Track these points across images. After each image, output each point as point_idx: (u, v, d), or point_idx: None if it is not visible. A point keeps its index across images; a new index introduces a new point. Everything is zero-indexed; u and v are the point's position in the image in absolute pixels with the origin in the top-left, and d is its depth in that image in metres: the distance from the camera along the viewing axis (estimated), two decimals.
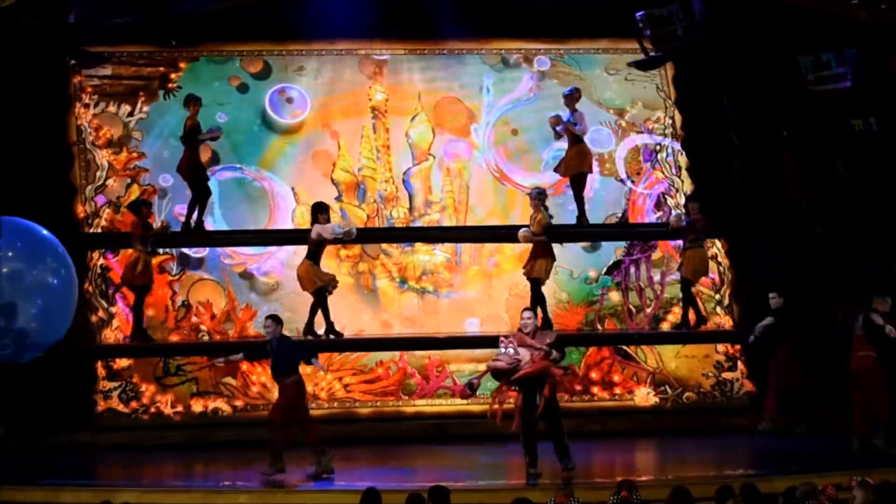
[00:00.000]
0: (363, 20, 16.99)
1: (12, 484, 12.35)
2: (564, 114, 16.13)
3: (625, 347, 17.28)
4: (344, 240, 15.45)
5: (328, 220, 15.26)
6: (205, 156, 16.48)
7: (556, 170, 16.37)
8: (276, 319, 13.66)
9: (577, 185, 16.17)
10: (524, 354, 12.46)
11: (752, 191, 17.19)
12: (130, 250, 15.45)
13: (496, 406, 12.64)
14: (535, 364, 12.46)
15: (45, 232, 13.27)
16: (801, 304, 15.67)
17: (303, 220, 16.95)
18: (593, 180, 17.11)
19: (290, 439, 13.42)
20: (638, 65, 17.05)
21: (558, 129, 16.08)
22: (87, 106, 17.03)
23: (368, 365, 16.86)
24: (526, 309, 13.43)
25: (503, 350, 12.53)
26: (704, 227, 15.92)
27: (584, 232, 16.72)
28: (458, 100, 17.75)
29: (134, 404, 16.36)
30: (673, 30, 15.85)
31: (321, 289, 15.22)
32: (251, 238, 16.74)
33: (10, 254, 13.06)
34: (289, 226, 16.89)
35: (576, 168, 16.06)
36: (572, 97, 16.18)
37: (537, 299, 15.52)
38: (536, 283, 15.53)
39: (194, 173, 15.82)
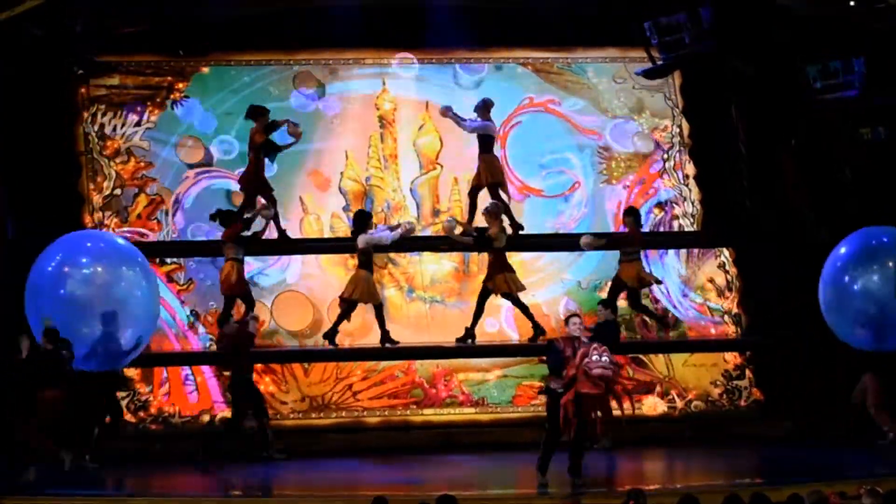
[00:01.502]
0: (371, 29, 17.02)
1: (20, 494, 12.34)
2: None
3: (640, 355, 17.29)
4: (405, 237, 15.62)
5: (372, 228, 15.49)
6: (197, 156, 16.94)
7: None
8: (46, 334, 13.72)
9: (494, 194, 16.16)
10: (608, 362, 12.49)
11: (755, 197, 17.23)
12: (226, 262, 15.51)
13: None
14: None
15: (125, 244, 13.64)
16: (802, 308, 15.66)
17: (311, 230, 16.99)
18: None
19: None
20: (646, 73, 17.07)
21: (449, 115, 16.21)
22: (94, 115, 17.06)
23: (377, 367, 16.87)
24: (574, 315, 13.35)
25: (597, 357, 12.41)
26: (641, 241, 15.92)
27: (533, 242, 16.87)
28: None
29: (142, 414, 16.37)
30: (680, 38, 15.87)
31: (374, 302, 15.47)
32: (335, 246, 16.81)
33: (99, 268, 13.37)
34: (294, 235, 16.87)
35: (479, 180, 16.10)
36: (482, 108, 16.15)
37: (524, 310, 15.69)
38: (512, 297, 15.67)
39: (258, 186, 15.88)
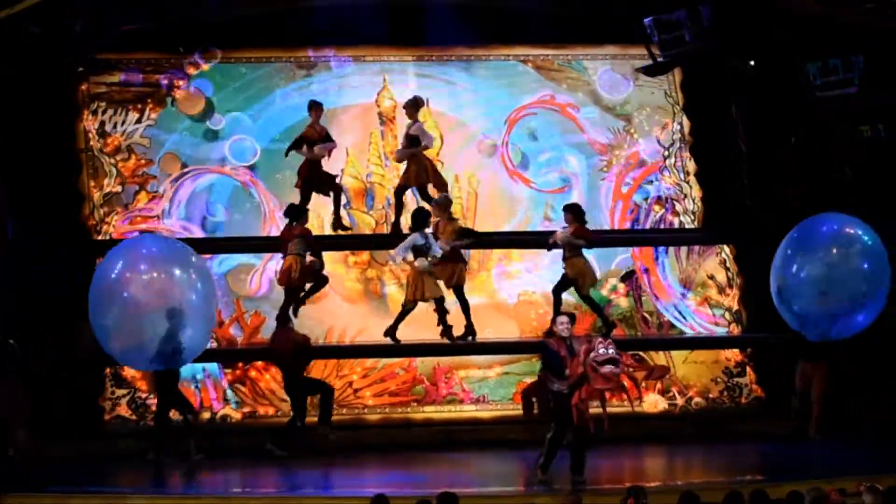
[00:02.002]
0: (371, 27, 17.01)
1: (21, 491, 12.36)
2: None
3: (640, 352, 17.30)
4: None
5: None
6: (198, 106, 17.14)
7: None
8: None
9: (424, 195, 16.19)
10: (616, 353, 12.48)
11: (756, 195, 17.24)
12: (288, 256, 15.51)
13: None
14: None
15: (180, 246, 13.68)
16: None
17: (311, 227, 16.91)
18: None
19: None
20: (646, 70, 17.07)
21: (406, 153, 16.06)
22: (94, 113, 17.06)
23: (377, 365, 16.87)
24: (563, 313, 13.34)
25: (604, 350, 12.37)
26: (582, 237, 15.71)
27: (499, 239, 16.96)
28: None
29: (142, 411, 16.38)
30: (681, 35, 15.86)
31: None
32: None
33: (155, 274, 13.37)
34: None
35: (406, 179, 16.05)
36: (412, 106, 16.06)
37: (464, 305, 15.60)
38: (460, 290, 15.58)
39: (315, 179, 16.01)
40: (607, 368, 12.31)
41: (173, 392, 14.88)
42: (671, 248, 17.69)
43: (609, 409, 16.15)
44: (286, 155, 16.23)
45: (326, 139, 16.04)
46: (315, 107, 16.11)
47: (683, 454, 15.60)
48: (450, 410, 16.95)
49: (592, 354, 12.36)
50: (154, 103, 17.23)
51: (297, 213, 15.66)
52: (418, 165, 15.97)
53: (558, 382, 12.59)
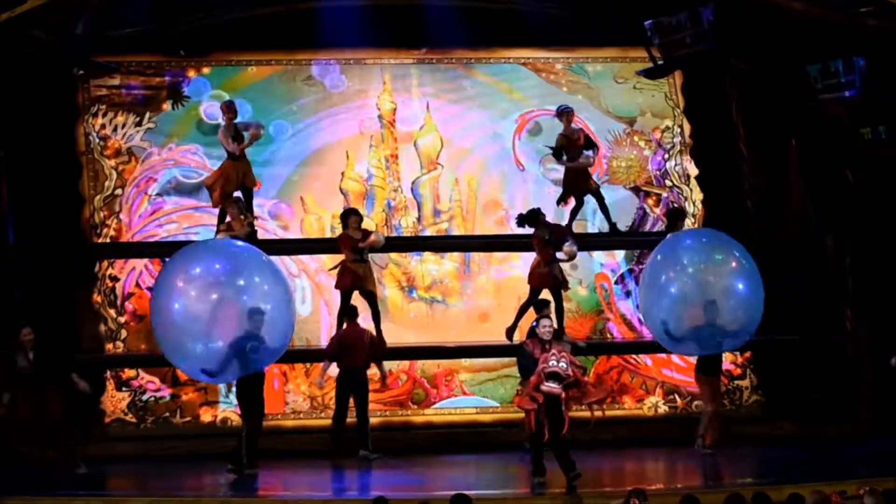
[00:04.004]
0: (372, 29, 17.02)
1: (22, 494, 12.34)
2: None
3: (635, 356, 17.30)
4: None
5: None
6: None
7: None
8: None
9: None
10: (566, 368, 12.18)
11: (757, 197, 17.25)
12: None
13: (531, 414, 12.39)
14: (598, 389, 12.34)
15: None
16: (804, 308, 15.67)
17: (311, 230, 16.96)
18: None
19: None
20: (646, 73, 17.08)
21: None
22: (95, 116, 17.05)
23: (377, 374, 16.85)
24: (545, 317, 13.31)
25: (555, 363, 12.16)
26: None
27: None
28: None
29: (142, 415, 16.37)
30: (681, 38, 15.88)
31: None
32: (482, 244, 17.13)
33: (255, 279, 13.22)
34: (296, 235, 16.91)
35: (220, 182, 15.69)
36: (226, 109, 15.74)
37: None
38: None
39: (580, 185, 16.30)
40: (546, 386, 12.11)
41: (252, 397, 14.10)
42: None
43: (608, 413, 16.28)
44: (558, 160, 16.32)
45: (588, 145, 16.19)
46: (566, 112, 16.21)
47: (684, 457, 15.57)
48: (450, 413, 16.93)
49: (542, 365, 12.18)
50: (154, 107, 17.22)
51: (529, 218, 15.65)
52: (241, 169, 15.63)
53: (549, 384, 12.30)
